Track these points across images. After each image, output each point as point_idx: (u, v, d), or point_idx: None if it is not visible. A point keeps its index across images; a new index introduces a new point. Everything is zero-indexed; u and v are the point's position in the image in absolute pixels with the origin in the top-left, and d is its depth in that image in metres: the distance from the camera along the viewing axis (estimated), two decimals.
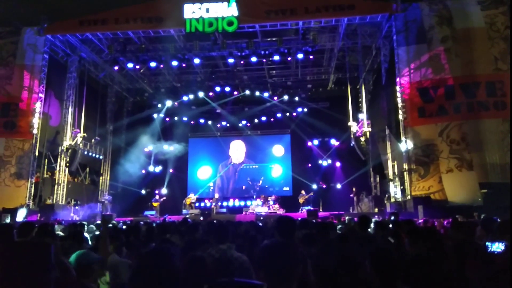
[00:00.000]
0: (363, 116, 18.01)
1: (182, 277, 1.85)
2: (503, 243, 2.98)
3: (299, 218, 10.05)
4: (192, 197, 18.99)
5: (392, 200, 15.50)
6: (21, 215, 13.98)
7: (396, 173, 15.71)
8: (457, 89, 13.72)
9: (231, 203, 21.41)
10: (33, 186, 15.46)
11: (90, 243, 5.23)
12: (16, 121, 15.59)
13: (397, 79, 14.56)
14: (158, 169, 22.04)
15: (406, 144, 14.15)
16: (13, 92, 15.75)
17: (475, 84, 13.56)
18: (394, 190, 15.61)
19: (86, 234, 5.62)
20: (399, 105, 14.46)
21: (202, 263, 2.42)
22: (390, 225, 6.00)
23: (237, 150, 23.18)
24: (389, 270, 2.13)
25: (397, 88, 14.57)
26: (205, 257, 2.55)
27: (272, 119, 22.13)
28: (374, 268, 2.15)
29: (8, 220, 13.02)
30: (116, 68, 18.44)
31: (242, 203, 20.99)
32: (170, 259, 1.83)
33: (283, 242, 2.12)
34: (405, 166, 14.22)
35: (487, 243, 3.05)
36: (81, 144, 17.16)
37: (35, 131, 15.49)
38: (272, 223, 6.26)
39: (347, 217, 11.44)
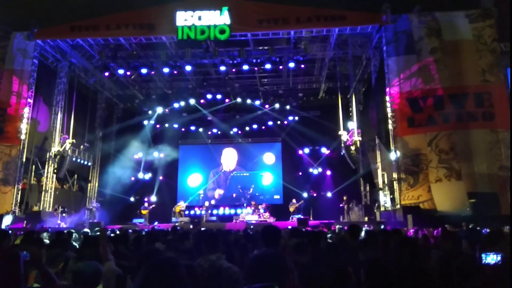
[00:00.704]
0: (353, 125, 18.15)
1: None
2: (499, 255, 2.93)
3: (290, 227, 10.03)
4: (181, 205, 18.82)
5: (382, 209, 15.57)
6: (6, 222, 13.70)
7: (386, 182, 15.80)
8: (446, 100, 13.91)
9: (221, 211, 21.28)
10: (19, 192, 15.17)
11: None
12: (4, 126, 15.33)
13: (387, 89, 14.71)
14: (148, 176, 21.84)
15: (395, 154, 14.26)
16: (1, 97, 15.52)
17: (464, 95, 13.77)
18: (384, 199, 15.68)
19: (73, 243, 5.52)
20: (389, 114, 14.60)
21: (191, 272, 2.35)
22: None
23: (229, 157, 23.13)
24: (384, 281, 2.10)
25: (387, 98, 14.72)
26: (194, 266, 2.48)
27: (263, 127, 22.17)
28: (369, 280, 2.12)
29: None
30: (106, 74, 18.33)
31: (233, 211, 20.89)
32: (178, 271, 1.77)
33: (272, 252, 2.09)
34: (395, 175, 14.31)
35: (482, 255, 3.01)
36: (69, 151, 16.95)
37: (22, 136, 15.25)
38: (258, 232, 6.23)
39: (337, 226, 11.45)
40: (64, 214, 16.50)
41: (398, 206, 13.90)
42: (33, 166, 16.33)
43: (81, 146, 18.31)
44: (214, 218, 18.85)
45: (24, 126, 15.33)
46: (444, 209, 12.84)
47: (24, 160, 15.41)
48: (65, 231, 7.49)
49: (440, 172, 13.45)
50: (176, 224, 15.31)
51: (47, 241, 6.33)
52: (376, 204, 16.45)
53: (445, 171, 13.40)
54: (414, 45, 14.49)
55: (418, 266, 2.39)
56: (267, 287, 1.74)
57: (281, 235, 3.71)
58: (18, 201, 15.10)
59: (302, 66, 16.92)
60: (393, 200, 14.88)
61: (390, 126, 14.57)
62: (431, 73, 14.21)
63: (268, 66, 16.56)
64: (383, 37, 14.91)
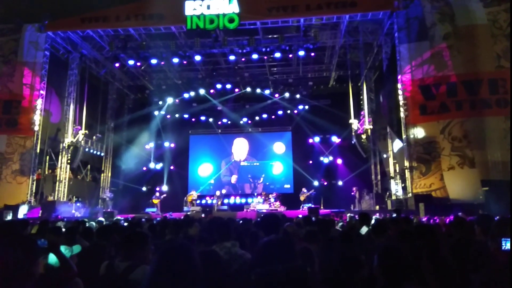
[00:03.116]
0: (364, 113, 17.99)
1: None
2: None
3: (300, 216, 10.06)
4: (193, 194, 19.00)
5: (394, 197, 15.50)
6: (22, 212, 14.03)
7: (397, 171, 15.70)
8: (459, 87, 13.67)
9: (232, 200, 21.45)
10: (34, 183, 15.49)
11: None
12: (18, 118, 15.59)
13: (399, 77, 14.51)
14: (159, 166, 22.06)
15: (407, 142, 14.13)
16: (15, 90, 15.75)
17: (478, 82, 13.50)
18: (395, 188, 15.60)
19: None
20: (401, 102, 14.43)
21: (216, 258, 2.34)
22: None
23: (240, 147, 23.18)
24: (398, 269, 2.10)
25: (399, 85, 14.53)
26: (218, 252, 2.50)
27: (273, 117, 22.11)
28: (381, 267, 2.12)
29: (10, 217, 13.07)
30: (117, 65, 18.42)
31: (243, 200, 21.03)
32: (191, 255, 1.80)
33: (280, 238, 2.12)
34: (407, 163, 14.20)
35: (502, 240, 2.97)
36: (82, 141, 17.18)
37: (36, 128, 15.50)
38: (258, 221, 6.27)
39: (348, 215, 11.45)
40: (78, 204, 16.80)
41: (410, 194, 13.82)
42: (47, 157, 16.62)
43: (94, 137, 18.54)
44: (225, 207, 18.99)
45: (37, 118, 15.56)
46: (456, 197, 12.74)
47: (38, 151, 15.68)
48: (80, 220, 7.65)
49: (453, 160, 13.30)
50: (188, 213, 15.48)
51: (63, 229, 6.47)
52: (388, 193, 16.39)
53: (458, 159, 13.25)
54: (426, 31, 14.21)
55: (434, 253, 2.39)
56: (298, 267, 1.75)
57: (281, 223, 3.75)
58: (33, 191, 15.42)
59: (312, 54, 16.77)
60: (404, 188, 14.80)
61: (402, 114, 14.41)
62: (444, 60, 13.95)
63: (277, 54, 16.45)
64: (395, 23, 14.66)
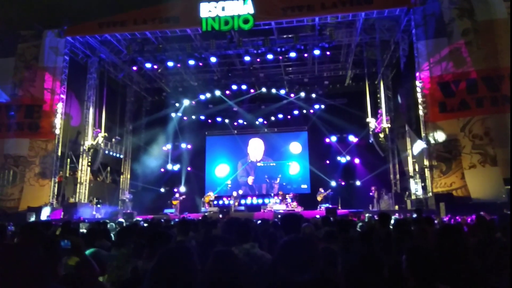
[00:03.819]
0: (382, 112, 17.75)
1: (209, 273, 1.82)
2: None
3: (318, 216, 10.01)
4: (210, 195, 19.13)
5: (413, 197, 15.25)
6: (45, 214, 14.38)
7: (417, 170, 15.43)
8: (479, 83, 13.35)
9: (249, 200, 21.49)
10: (56, 185, 15.87)
11: (113, 239, 5.32)
12: (39, 122, 15.99)
13: (417, 74, 14.27)
14: (176, 167, 22.28)
15: (427, 140, 13.87)
16: (36, 94, 16.17)
17: (499, 77, 13.15)
18: (415, 187, 15.34)
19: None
20: (419, 100, 14.18)
21: (233, 258, 2.31)
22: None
23: (256, 148, 23.21)
24: (428, 269, 2.06)
25: (417, 83, 14.29)
26: (233, 252, 2.49)
27: (289, 117, 22.04)
28: (410, 267, 2.08)
29: (33, 218, 13.42)
30: (134, 68, 18.73)
31: (260, 200, 21.04)
32: (189, 256, 1.83)
33: (302, 237, 2.10)
34: (426, 162, 13.95)
35: None
36: (102, 144, 17.49)
37: (57, 131, 15.87)
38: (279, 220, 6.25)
39: (367, 215, 11.33)
40: (98, 205, 17.11)
41: (430, 194, 13.57)
42: (68, 160, 17.00)
43: (113, 139, 18.86)
44: (242, 208, 19.03)
45: (58, 121, 15.93)
46: (478, 196, 12.44)
47: (59, 154, 16.05)
48: (101, 221, 7.79)
49: (474, 158, 13.00)
50: (206, 214, 15.59)
51: (84, 231, 6.61)
52: (407, 192, 16.12)
53: (480, 157, 12.94)
54: (444, 27, 13.94)
55: (461, 254, 2.34)
56: (326, 280, 1.73)
57: (301, 223, 3.72)
58: (55, 193, 15.79)
59: (328, 53, 16.64)
60: (424, 188, 14.54)
61: (420, 112, 14.16)
62: (463, 56, 13.65)
63: (292, 54, 16.41)
64: (412, 20, 14.43)
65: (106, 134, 17.67)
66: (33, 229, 4.32)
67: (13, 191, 15.35)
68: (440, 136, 13.66)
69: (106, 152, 18.33)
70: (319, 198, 18.11)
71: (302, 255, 1.83)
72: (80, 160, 17.28)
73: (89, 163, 17.18)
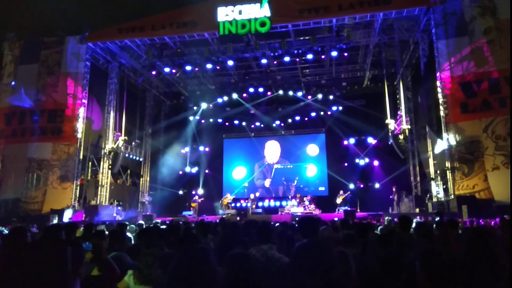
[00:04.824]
0: (401, 113, 17.45)
1: (225, 275, 1.83)
2: None
3: (336, 219, 9.92)
4: (228, 197, 19.20)
5: (434, 200, 14.94)
6: (67, 216, 14.72)
7: (438, 172, 15.11)
8: (502, 82, 13.01)
9: (266, 203, 21.47)
10: (78, 188, 16.23)
11: (132, 242, 5.40)
12: (62, 126, 16.42)
13: (438, 74, 14.01)
14: (194, 170, 22.47)
15: (448, 141, 13.58)
16: (59, 99, 16.62)
17: None
18: (436, 190, 15.03)
19: (128, 234, 5.82)
20: (440, 100, 13.90)
21: (247, 260, 2.35)
22: (434, 226, 5.80)
23: (272, 150, 23.19)
24: (442, 273, 2.03)
25: (438, 83, 14.02)
26: (249, 254, 2.51)
27: (306, 119, 21.94)
28: (424, 271, 2.06)
29: (55, 221, 13.74)
30: (153, 73, 19.05)
31: (278, 203, 20.99)
32: (207, 258, 1.84)
33: (316, 241, 2.09)
34: (448, 164, 13.65)
35: None
36: (122, 147, 17.80)
37: (79, 135, 16.25)
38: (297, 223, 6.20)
39: (386, 218, 11.14)
40: (119, 208, 17.41)
41: (452, 196, 13.27)
42: (90, 163, 17.38)
43: (133, 143, 19.18)
44: (259, 210, 19.02)
45: (80, 126, 16.32)
46: (502, 199, 12.07)
47: (81, 157, 16.43)
48: (121, 223, 7.92)
49: (497, 159, 12.66)
50: (223, 216, 15.64)
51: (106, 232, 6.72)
52: (428, 195, 15.79)
53: (503, 158, 12.59)
54: (465, 26, 13.66)
55: (494, 258, 2.29)
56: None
57: (318, 226, 3.69)
58: (77, 196, 16.16)
59: (345, 54, 16.52)
60: (446, 190, 14.22)
61: (441, 113, 13.89)
62: (485, 55, 13.33)
63: (310, 56, 16.35)
64: (432, 19, 14.19)
65: (126, 137, 17.98)
66: (56, 230, 4.43)
67: (37, 194, 15.79)
68: (462, 137, 13.36)
69: (126, 155, 18.64)
70: (338, 201, 17.94)
71: (316, 260, 1.83)
72: (101, 163, 17.63)
73: (110, 166, 17.51)
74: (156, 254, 3.16)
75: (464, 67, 13.63)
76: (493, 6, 13.47)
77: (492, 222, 7.86)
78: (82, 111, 16.48)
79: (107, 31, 16.69)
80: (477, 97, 13.32)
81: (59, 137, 16.39)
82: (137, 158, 20.28)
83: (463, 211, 11.67)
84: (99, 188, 17.30)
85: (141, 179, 21.76)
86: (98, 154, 17.78)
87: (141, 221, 10.91)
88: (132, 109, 19.86)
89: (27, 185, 15.87)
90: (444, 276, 2.01)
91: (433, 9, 14.00)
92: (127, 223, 8.69)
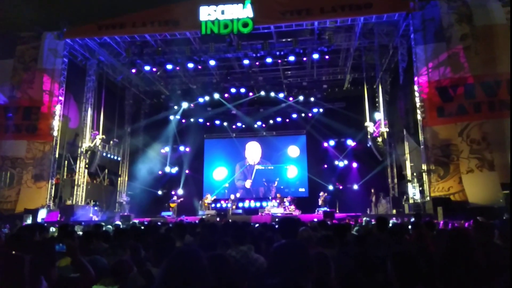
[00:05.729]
0: (380, 116, 17.77)
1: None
2: None
3: (315, 220, 9.99)
4: (209, 198, 19.09)
5: (411, 201, 15.25)
6: (41, 216, 14.32)
7: (415, 174, 15.44)
8: (477, 88, 13.42)
9: (247, 204, 21.46)
10: (53, 187, 15.82)
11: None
12: (37, 124, 15.97)
13: (415, 78, 14.32)
14: (175, 170, 22.24)
15: (424, 144, 13.89)
16: (35, 96, 16.15)
17: (497, 83, 13.23)
18: (413, 191, 15.35)
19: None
20: (418, 104, 14.22)
21: (225, 262, 2.34)
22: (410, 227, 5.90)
23: (253, 151, 23.21)
24: (412, 273, 2.08)
25: (415, 87, 14.33)
26: (227, 256, 2.50)
27: (287, 120, 22.08)
28: (395, 271, 2.10)
29: (29, 221, 13.35)
30: (133, 71, 18.74)
31: (258, 204, 21.01)
32: (200, 260, 1.80)
33: (293, 242, 2.10)
34: (424, 166, 13.96)
35: None
36: (100, 146, 17.46)
37: (55, 133, 15.84)
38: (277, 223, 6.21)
39: (364, 219, 11.31)
40: (96, 208, 17.06)
41: (428, 198, 13.58)
42: (66, 162, 16.97)
43: (111, 142, 18.83)
44: (240, 211, 18.99)
45: (56, 123, 15.90)
46: (476, 201, 12.45)
47: (57, 156, 16.01)
48: (96, 224, 7.75)
49: (471, 162, 13.03)
50: (203, 217, 15.53)
51: (80, 233, 6.57)
52: (405, 197, 16.13)
53: (477, 162, 12.98)
54: (443, 32, 14.02)
55: (470, 258, 2.34)
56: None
57: (298, 227, 3.71)
58: (52, 195, 15.74)
59: (327, 57, 16.67)
60: (422, 192, 14.54)
61: (418, 116, 14.20)
62: (460, 62, 13.73)
63: (291, 58, 16.42)
64: (411, 24, 14.50)
65: (104, 136, 17.64)
66: (27, 232, 4.30)
67: (10, 193, 15.31)
68: (437, 141, 13.69)
69: (104, 154, 18.29)
70: (320, 202, 18.09)
71: (294, 260, 1.83)
72: (78, 162, 17.23)
73: (87, 165, 17.14)
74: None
75: (441, 72, 13.98)
76: (469, 13, 13.87)
77: (466, 224, 8.07)
78: (58, 109, 16.07)
79: (86, 28, 16.33)
80: (453, 102, 13.69)
81: (34, 135, 15.94)
82: (115, 157, 19.92)
83: (438, 212, 11.95)
84: (75, 187, 16.88)
85: (119, 179, 21.39)
86: (75, 153, 17.36)
87: (118, 222, 10.71)
88: (111, 107, 19.50)
89: (0, 184, 15.36)
90: (414, 276, 2.06)
91: (412, 15, 14.30)
92: (103, 224, 8.52)
